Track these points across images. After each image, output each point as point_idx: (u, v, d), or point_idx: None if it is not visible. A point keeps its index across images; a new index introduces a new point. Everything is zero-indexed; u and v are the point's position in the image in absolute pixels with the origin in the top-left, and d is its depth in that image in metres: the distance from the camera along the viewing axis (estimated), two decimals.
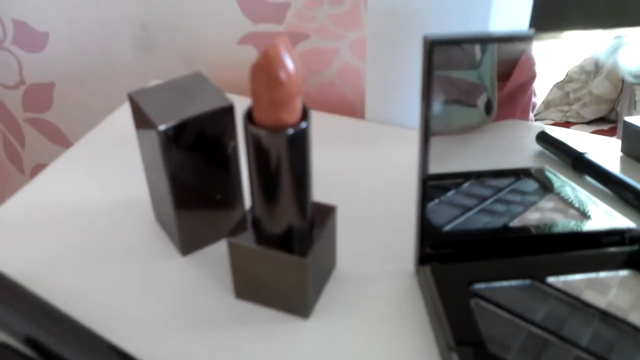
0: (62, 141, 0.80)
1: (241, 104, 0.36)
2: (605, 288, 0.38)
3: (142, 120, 0.38)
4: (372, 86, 0.54)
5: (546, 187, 0.47)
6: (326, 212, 0.38)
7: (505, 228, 0.43)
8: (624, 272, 0.39)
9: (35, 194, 0.49)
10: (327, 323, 0.38)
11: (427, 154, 0.37)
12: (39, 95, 0.76)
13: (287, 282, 0.37)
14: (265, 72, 0.30)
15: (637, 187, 0.45)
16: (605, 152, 0.51)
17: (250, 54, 0.61)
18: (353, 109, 0.59)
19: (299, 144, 0.33)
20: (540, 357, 0.34)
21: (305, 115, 0.32)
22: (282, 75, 0.30)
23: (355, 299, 0.39)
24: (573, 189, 0.46)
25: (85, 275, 0.41)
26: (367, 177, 0.49)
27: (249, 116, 0.33)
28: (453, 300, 0.37)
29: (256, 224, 0.37)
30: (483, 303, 0.37)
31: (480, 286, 0.38)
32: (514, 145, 0.51)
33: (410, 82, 0.51)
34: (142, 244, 0.43)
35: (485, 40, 0.40)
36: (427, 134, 0.36)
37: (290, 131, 0.32)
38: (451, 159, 0.44)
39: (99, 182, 0.49)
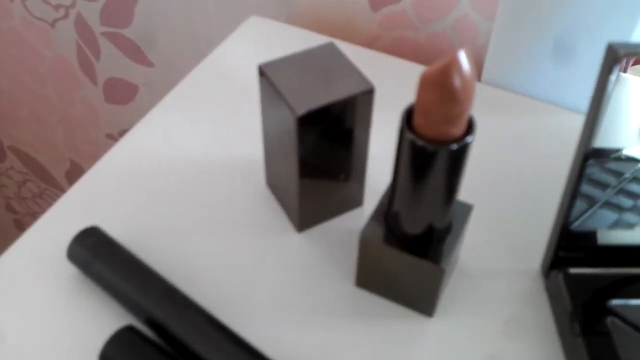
0: (140, 59, 0.77)
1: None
2: None
3: (273, 96, 0.35)
4: (497, 44, 0.49)
5: None
6: (463, 211, 0.36)
7: (638, 233, 0.40)
8: None
9: (134, 147, 0.46)
10: (450, 322, 0.37)
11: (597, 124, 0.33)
12: (119, 10, 0.73)
13: (417, 283, 0.35)
14: (440, 88, 0.27)
15: None
16: None
17: None
18: None
19: (460, 157, 0.30)
20: None
21: (470, 129, 0.30)
22: (460, 92, 0.27)
23: (478, 297, 0.38)
24: None
25: (190, 245, 0.40)
26: (485, 150, 0.46)
27: (408, 121, 0.30)
28: (588, 315, 0.35)
29: (391, 221, 0.35)
30: (621, 324, 0.35)
31: (617, 302, 0.36)
32: None
33: (543, 47, 0.47)
34: (252, 214, 0.42)
35: None
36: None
37: (455, 146, 0.29)
38: None
39: (205, 134, 0.47)
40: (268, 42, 0.53)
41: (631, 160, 0.45)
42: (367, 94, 0.35)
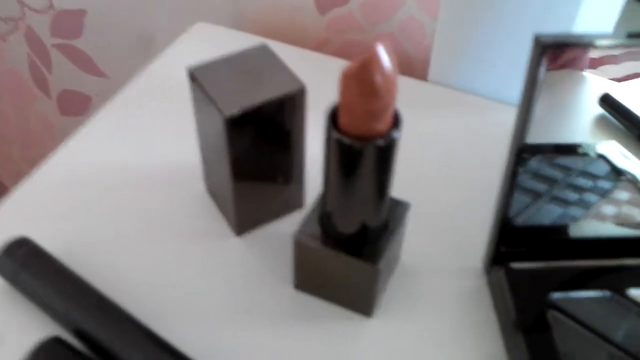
0: (91, 69, 0.76)
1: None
2: None
3: (204, 100, 0.35)
4: (441, 45, 0.49)
5: (618, 170, 0.44)
6: (400, 210, 0.35)
7: (582, 226, 0.40)
8: None
9: (71, 156, 0.45)
10: (389, 321, 0.36)
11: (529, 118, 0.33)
12: (69, 22, 0.72)
13: (354, 284, 0.35)
14: (360, 83, 0.26)
15: None
16: None
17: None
18: (411, 67, 0.55)
19: (387, 153, 0.30)
20: None
21: (396, 123, 0.29)
22: (380, 87, 0.27)
23: (419, 296, 0.37)
24: None
25: (128, 252, 0.39)
26: (429, 148, 0.46)
27: (334, 120, 0.29)
28: (528, 310, 0.35)
29: (325, 221, 0.34)
30: (560, 316, 0.35)
31: (557, 296, 0.36)
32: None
33: (486, 46, 0.47)
34: (192, 219, 0.41)
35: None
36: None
37: (381, 142, 0.29)
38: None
39: (143, 143, 0.46)
40: (214, 48, 0.52)
41: (579, 155, 0.45)
42: (299, 94, 0.35)
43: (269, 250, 0.39)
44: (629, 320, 0.35)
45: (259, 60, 0.36)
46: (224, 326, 0.36)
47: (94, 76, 0.77)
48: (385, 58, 0.27)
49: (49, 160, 0.44)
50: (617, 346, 0.34)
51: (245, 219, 0.39)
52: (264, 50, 0.37)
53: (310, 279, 0.36)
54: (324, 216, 0.34)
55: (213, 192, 0.41)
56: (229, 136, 0.34)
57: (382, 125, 0.28)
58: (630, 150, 0.44)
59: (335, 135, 0.29)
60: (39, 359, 0.31)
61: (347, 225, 0.33)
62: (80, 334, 0.33)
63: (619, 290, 0.36)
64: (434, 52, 0.50)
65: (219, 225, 0.41)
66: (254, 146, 0.36)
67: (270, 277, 0.38)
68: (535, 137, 0.42)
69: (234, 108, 0.33)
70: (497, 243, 0.37)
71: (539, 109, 0.42)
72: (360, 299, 0.35)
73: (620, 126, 0.46)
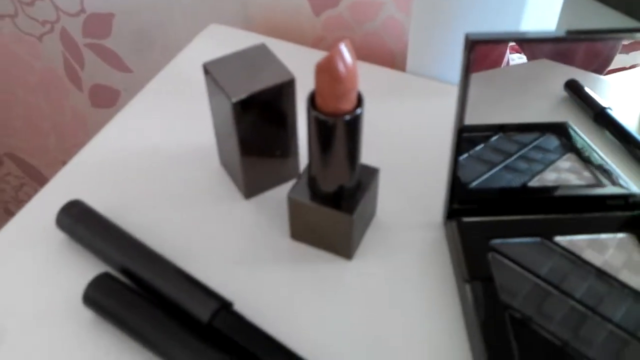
0: (119, 65, 0.86)
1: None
2: (603, 248, 0.45)
3: (215, 89, 0.44)
4: (415, 39, 0.58)
5: (566, 145, 0.53)
6: (371, 173, 0.45)
7: (525, 188, 0.49)
8: (621, 235, 0.46)
9: (109, 139, 0.55)
10: (366, 264, 0.46)
11: (465, 102, 0.42)
12: (99, 23, 0.82)
13: (335, 231, 0.44)
14: (328, 72, 0.36)
15: None
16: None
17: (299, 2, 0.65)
18: (393, 60, 0.65)
19: (353, 126, 0.39)
20: (541, 306, 0.41)
21: (360, 103, 0.39)
22: (343, 75, 0.36)
23: (390, 244, 0.47)
24: (591, 149, 0.52)
25: (159, 213, 0.49)
26: (404, 128, 0.55)
27: (312, 101, 0.39)
28: (474, 253, 0.44)
29: (311, 183, 0.44)
30: (498, 257, 0.44)
31: (497, 241, 0.45)
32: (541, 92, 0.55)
33: (452, 38, 0.56)
34: (209, 187, 0.51)
35: (526, 40, 0.45)
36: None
37: (347, 117, 0.38)
38: (484, 107, 0.49)
39: (167, 127, 0.56)
40: (224, 46, 0.62)
41: (535, 132, 0.54)
42: (290, 83, 0.44)
43: (272, 210, 0.49)
44: (553, 259, 0.44)
45: (258, 56, 0.46)
46: (236, 267, 0.45)
47: (121, 72, 0.87)
48: (346, 53, 0.36)
49: (91, 143, 0.55)
50: (543, 279, 0.43)
51: (252, 185, 0.49)
52: (262, 49, 0.46)
53: (302, 230, 0.46)
54: (310, 179, 0.44)
55: (225, 164, 0.51)
56: (236, 118, 0.43)
57: (348, 104, 0.38)
58: (582, 130, 0.53)
59: (313, 113, 0.38)
60: (96, 288, 0.41)
61: (327, 185, 0.43)
62: (124, 271, 0.43)
63: (548, 237, 0.45)
64: (410, 46, 0.59)
65: (231, 191, 0.50)
66: (256, 126, 0.45)
67: (272, 230, 0.48)
68: (490, 117, 0.51)
69: (240, 95, 0.43)
70: (450, 201, 0.46)
71: (503, 92, 0.51)
72: (341, 245, 0.45)
73: (579, 107, 0.55)
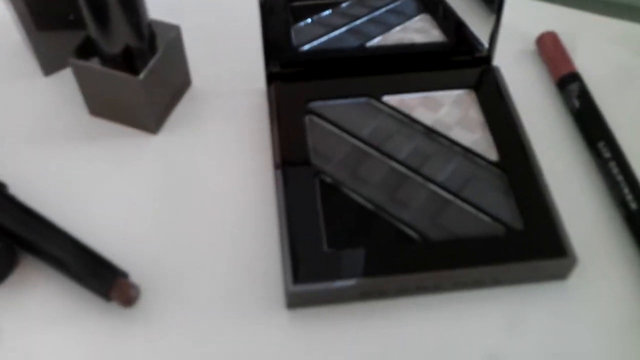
0: None
1: None
2: (437, 106, 0.40)
3: None
4: None
5: (421, 7, 0.47)
6: (168, 31, 0.39)
7: (359, 48, 0.44)
8: (459, 91, 0.41)
9: None
10: (175, 138, 0.40)
11: None
12: None
13: (130, 99, 0.38)
14: None
15: None
16: None
17: None
18: None
19: None
20: (356, 169, 0.37)
21: None
22: None
23: (207, 116, 0.41)
24: (448, 9, 0.46)
25: None
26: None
27: None
28: (289, 117, 0.39)
29: (96, 46, 0.37)
30: (316, 119, 0.39)
31: (316, 104, 0.40)
32: None
33: None
34: (7, 65, 0.44)
35: None
36: None
37: None
38: None
39: None
40: None
41: None
42: None
43: (72, 86, 0.42)
44: (379, 120, 0.39)
45: None
46: (24, 146, 0.39)
47: None
48: None
49: None
50: (363, 140, 0.38)
51: (49, 60, 0.42)
52: None
53: (97, 102, 0.40)
54: (93, 40, 0.37)
55: (24, 38, 0.44)
56: None
57: None
58: None
59: None
60: None
61: (109, 45, 0.36)
62: None
63: (376, 96, 0.40)
64: None
65: (31, 68, 0.44)
66: None
67: (71, 108, 0.42)
68: None
69: None
70: (266, 63, 0.40)
71: None
72: (140, 115, 0.39)
73: None
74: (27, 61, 0.44)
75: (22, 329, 0.32)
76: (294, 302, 0.33)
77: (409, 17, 0.47)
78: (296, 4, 0.47)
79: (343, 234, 0.34)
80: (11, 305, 0.33)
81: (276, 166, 0.36)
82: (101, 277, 0.32)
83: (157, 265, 0.34)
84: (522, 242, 0.33)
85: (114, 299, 0.32)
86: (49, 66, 0.43)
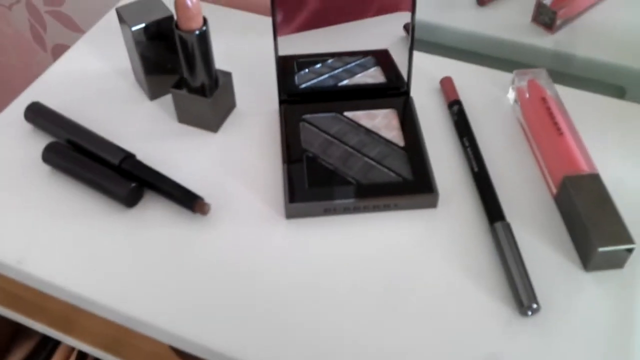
0: (74, 27, 1.10)
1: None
2: (374, 117, 0.71)
3: (124, 24, 0.69)
4: None
5: (377, 62, 0.78)
6: (225, 75, 0.70)
7: (334, 86, 0.74)
8: (388, 110, 0.71)
9: (62, 67, 0.80)
10: (226, 136, 0.71)
11: (276, 39, 0.68)
12: None
13: (202, 112, 0.69)
14: (180, 4, 0.61)
15: None
16: None
17: None
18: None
19: (202, 38, 0.64)
20: (326, 150, 0.67)
21: (205, 23, 0.64)
22: (189, 5, 0.61)
23: (244, 123, 0.72)
24: (391, 63, 0.76)
25: (86, 112, 0.74)
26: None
27: (176, 25, 0.64)
28: (291, 124, 0.70)
29: (186, 81, 0.69)
30: (306, 125, 0.70)
31: (307, 116, 0.71)
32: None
33: None
34: (126, 93, 0.76)
35: None
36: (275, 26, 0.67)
37: (197, 32, 0.63)
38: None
39: (110, 62, 0.81)
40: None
41: (359, 55, 0.79)
42: (169, 18, 0.69)
43: (166, 106, 0.74)
44: (340, 125, 0.70)
45: (150, 2, 0.70)
46: (145, 142, 0.71)
47: (75, 32, 1.11)
48: None
49: (49, 70, 0.79)
50: (331, 135, 0.69)
51: (155, 90, 0.74)
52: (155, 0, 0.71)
53: (183, 114, 0.71)
54: (185, 79, 0.69)
55: (137, 79, 0.76)
56: (136, 42, 0.68)
57: (196, 25, 0.63)
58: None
59: (177, 32, 0.64)
60: (49, 150, 0.66)
61: (194, 82, 0.68)
62: (67, 140, 0.68)
63: (340, 112, 0.71)
64: None
65: (140, 95, 0.75)
66: (152, 48, 0.70)
67: (166, 116, 0.73)
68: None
69: (138, 24, 0.68)
70: (279, 94, 0.72)
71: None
72: (208, 122, 0.70)
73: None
74: (139, 92, 0.76)
75: (145, 236, 0.63)
76: (290, 214, 0.63)
77: (368, 68, 0.78)
78: (299, 60, 0.78)
79: (317, 181, 0.64)
80: (139, 220, 0.64)
81: (282, 149, 0.67)
82: (189, 200, 0.63)
83: (216, 195, 0.65)
84: (411, 185, 0.63)
85: (196, 211, 0.63)
86: (152, 94, 0.75)
